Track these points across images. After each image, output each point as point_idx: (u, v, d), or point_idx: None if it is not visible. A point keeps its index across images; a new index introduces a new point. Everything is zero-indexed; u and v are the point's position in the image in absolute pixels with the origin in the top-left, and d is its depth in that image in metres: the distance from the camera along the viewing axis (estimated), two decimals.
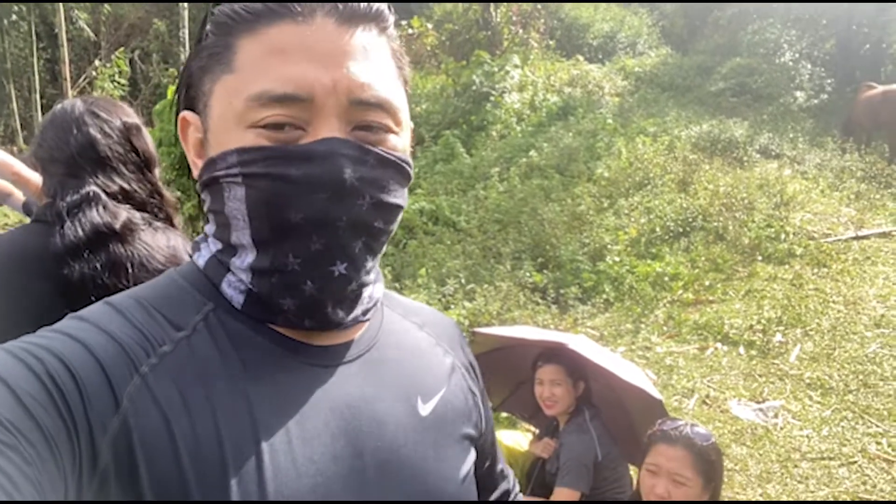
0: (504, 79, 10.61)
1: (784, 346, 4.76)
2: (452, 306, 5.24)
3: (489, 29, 12.67)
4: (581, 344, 2.84)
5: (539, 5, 13.46)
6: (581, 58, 13.20)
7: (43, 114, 12.24)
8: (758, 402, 4.21)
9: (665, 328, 5.19)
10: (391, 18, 0.67)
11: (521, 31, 12.95)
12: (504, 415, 4.09)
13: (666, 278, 5.73)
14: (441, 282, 5.61)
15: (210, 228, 0.69)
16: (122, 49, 14.62)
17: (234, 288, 0.66)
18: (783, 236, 6.17)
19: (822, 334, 4.86)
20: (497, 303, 5.16)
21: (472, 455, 0.77)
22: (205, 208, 0.68)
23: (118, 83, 13.21)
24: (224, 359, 0.62)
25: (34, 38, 12.42)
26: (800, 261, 5.87)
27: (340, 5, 0.62)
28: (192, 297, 0.66)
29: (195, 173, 0.68)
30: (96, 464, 0.53)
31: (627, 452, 2.88)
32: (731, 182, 7.07)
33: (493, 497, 0.93)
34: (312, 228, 0.60)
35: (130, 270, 1.36)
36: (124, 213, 1.42)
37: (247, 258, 0.64)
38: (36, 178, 3.06)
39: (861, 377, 4.33)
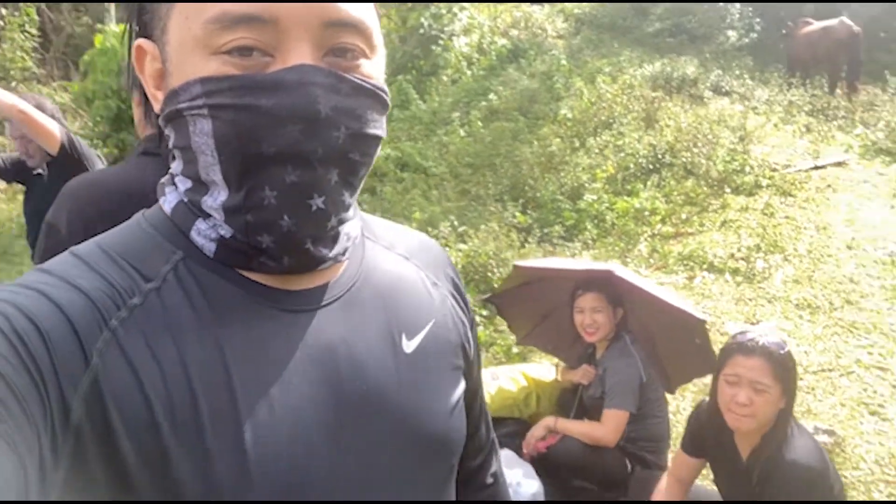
0: (452, 21, 10.42)
1: (767, 271, 5.01)
2: (447, 248, 5.22)
3: None
4: (623, 271, 2.89)
5: None
6: None
7: None
8: (753, 325, 4.43)
9: (651, 261, 5.35)
10: None
11: None
12: (515, 350, 4.17)
13: (645, 213, 5.89)
14: (432, 225, 5.57)
15: (177, 166, 0.65)
16: None
17: (204, 236, 0.62)
18: (748, 169, 6.42)
19: (800, 258, 5.13)
20: (491, 243, 5.17)
21: (462, 385, 0.76)
22: (169, 144, 0.64)
23: (29, 34, 12.25)
24: (195, 310, 0.59)
25: None
26: (767, 191, 6.14)
27: None
28: (160, 245, 0.62)
29: (156, 107, 0.63)
30: (68, 421, 0.51)
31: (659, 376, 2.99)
32: (693, 119, 7.27)
33: (474, 462, 0.91)
34: (287, 160, 0.57)
35: None
36: None
37: (219, 196, 0.61)
38: (46, 121, 2.80)
39: (843, 296, 4.62)
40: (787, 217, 5.73)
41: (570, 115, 7.52)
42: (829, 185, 6.20)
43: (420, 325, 0.72)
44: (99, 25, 10.22)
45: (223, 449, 0.55)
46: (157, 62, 0.62)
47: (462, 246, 5.20)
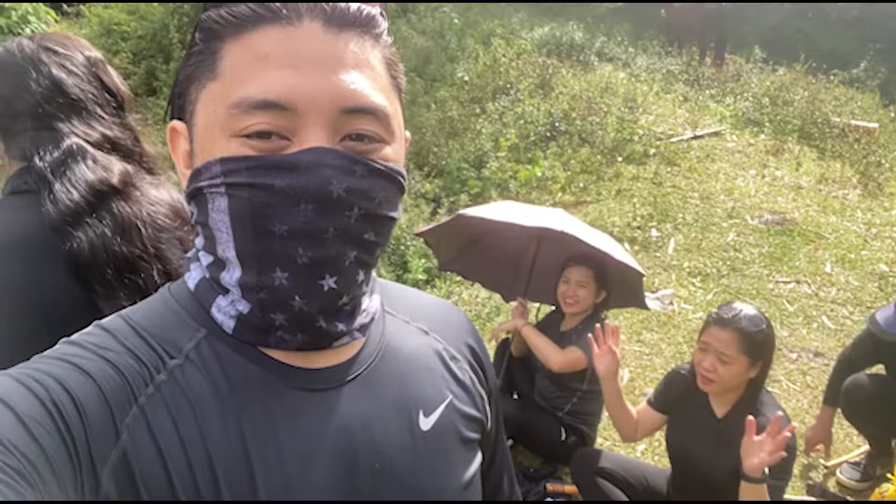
0: None
1: (661, 239, 5.37)
2: None
3: None
4: (569, 224, 2.88)
5: None
6: None
7: None
8: (653, 292, 4.76)
9: None
10: (384, 24, 0.64)
11: None
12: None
13: (546, 181, 6.08)
14: None
15: (199, 241, 0.67)
16: None
17: (224, 313, 0.64)
18: (636, 138, 6.77)
19: (688, 227, 5.54)
20: (403, 215, 5.14)
21: (478, 458, 0.78)
22: (193, 220, 0.67)
23: None
24: (216, 388, 0.61)
25: None
26: (654, 160, 6.52)
27: (328, 7, 0.59)
28: (185, 322, 0.65)
29: (184, 184, 0.66)
30: (98, 491, 0.54)
31: None
32: (584, 86, 7.51)
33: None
34: (298, 241, 0.58)
35: (144, 231, 1.17)
36: (117, 163, 1.20)
37: (234, 273, 0.62)
38: None
39: (728, 263, 5.06)
40: (673, 186, 6.13)
41: (466, 78, 7.53)
42: (707, 155, 6.68)
43: (437, 402, 0.72)
44: None
45: None
46: (187, 143, 0.64)
47: None
